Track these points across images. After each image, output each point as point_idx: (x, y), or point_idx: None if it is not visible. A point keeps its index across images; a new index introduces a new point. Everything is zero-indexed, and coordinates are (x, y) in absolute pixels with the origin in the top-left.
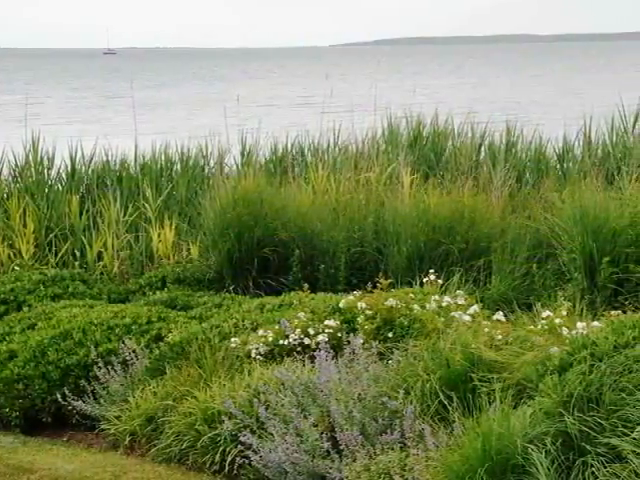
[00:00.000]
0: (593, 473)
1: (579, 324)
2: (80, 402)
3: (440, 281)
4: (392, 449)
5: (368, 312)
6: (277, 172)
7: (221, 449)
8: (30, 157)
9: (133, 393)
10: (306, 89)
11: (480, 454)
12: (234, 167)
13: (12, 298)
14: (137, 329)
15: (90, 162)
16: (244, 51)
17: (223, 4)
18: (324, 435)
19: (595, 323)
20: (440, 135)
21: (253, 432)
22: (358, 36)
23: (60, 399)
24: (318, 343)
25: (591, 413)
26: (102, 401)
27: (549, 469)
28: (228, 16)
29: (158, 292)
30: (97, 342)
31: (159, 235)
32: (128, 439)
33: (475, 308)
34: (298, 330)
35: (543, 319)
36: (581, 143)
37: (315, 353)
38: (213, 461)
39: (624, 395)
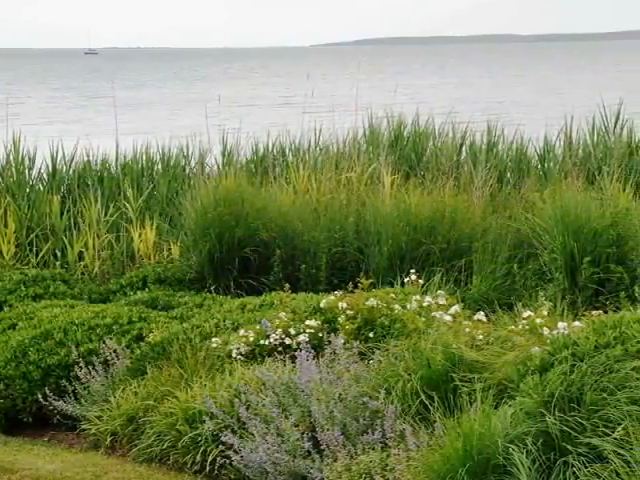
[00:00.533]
0: (574, 473)
1: (560, 324)
2: (61, 402)
3: (421, 281)
4: (373, 449)
5: (349, 312)
6: (258, 172)
7: (202, 449)
8: (11, 157)
9: (114, 393)
10: (287, 89)
11: (461, 454)
12: (215, 167)
13: None
14: (118, 329)
15: (71, 162)
16: (225, 51)
17: (205, 4)
18: (305, 435)
19: (576, 323)
20: (421, 135)
21: (234, 432)
22: (339, 36)
23: (41, 399)
24: (299, 343)
25: (572, 413)
26: (83, 401)
27: (530, 469)
28: (210, 16)
29: (139, 292)
30: (78, 342)
31: (140, 235)
32: (109, 439)
33: (456, 308)
34: (279, 330)
35: (524, 319)
36: (562, 143)
37: (296, 353)
38: (194, 461)
39: (605, 395)
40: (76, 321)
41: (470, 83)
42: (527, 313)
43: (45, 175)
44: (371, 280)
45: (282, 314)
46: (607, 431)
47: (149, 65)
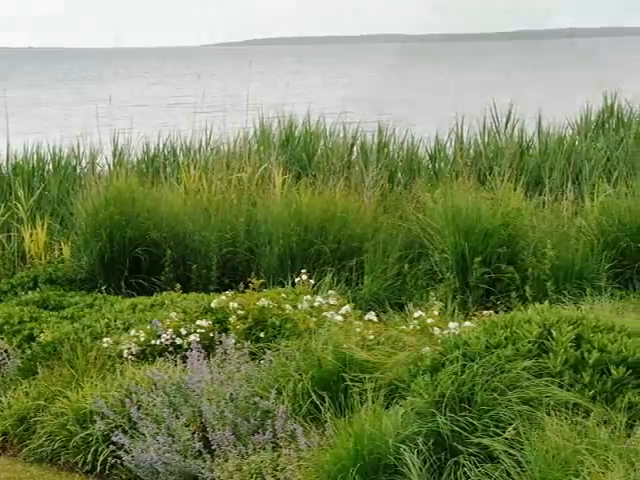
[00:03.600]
0: (465, 473)
1: (451, 324)
2: None
3: (312, 281)
4: (264, 449)
5: (240, 312)
6: (149, 172)
7: (93, 449)
8: None
9: (5, 393)
10: (178, 89)
11: (352, 454)
12: (106, 167)
13: None
14: (9, 329)
15: None
16: (117, 51)
17: (94, 3)
18: (196, 435)
19: (467, 323)
20: (312, 135)
21: (125, 432)
22: (230, 36)
23: None
24: (190, 343)
25: (463, 413)
26: None
27: (421, 469)
28: (99, 16)
29: (30, 292)
30: None
31: (31, 235)
32: (0, 439)
33: (347, 308)
34: (170, 330)
35: (415, 319)
36: (453, 143)
37: (187, 353)
38: (85, 461)
39: (496, 395)
40: None
41: (361, 83)
42: (418, 313)
43: None
44: (262, 280)
45: (173, 314)
46: (498, 431)
47: (40, 65)
